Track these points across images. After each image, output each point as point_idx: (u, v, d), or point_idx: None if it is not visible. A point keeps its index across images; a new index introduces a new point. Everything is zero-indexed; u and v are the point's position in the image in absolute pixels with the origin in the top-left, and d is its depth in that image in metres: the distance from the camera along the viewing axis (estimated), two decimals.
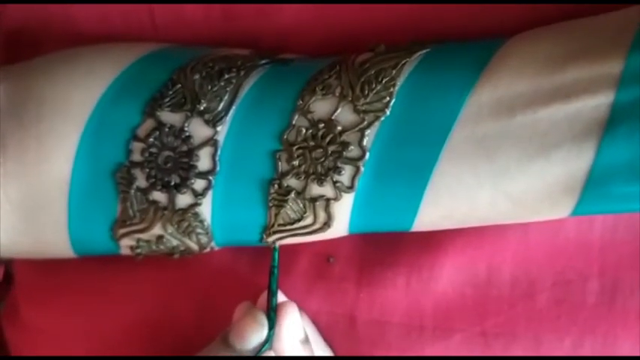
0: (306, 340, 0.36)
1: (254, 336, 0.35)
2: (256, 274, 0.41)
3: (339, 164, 0.34)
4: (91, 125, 0.37)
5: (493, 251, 0.38)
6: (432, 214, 0.35)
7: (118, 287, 0.44)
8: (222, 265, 0.42)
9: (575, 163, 0.32)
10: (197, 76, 0.36)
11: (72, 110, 0.37)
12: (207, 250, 0.39)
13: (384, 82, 0.34)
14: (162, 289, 0.43)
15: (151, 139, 0.36)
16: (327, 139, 0.34)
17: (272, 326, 0.34)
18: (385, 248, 0.40)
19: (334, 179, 0.34)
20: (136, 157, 0.36)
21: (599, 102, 0.31)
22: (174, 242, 0.38)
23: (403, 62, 0.34)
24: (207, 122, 0.36)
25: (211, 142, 0.36)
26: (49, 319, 0.45)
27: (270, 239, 0.37)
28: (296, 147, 0.35)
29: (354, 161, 0.34)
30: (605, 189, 0.32)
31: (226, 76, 0.36)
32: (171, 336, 0.43)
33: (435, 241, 0.39)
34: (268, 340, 0.34)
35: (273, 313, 0.35)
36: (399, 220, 0.35)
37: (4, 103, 0.38)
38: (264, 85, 0.36)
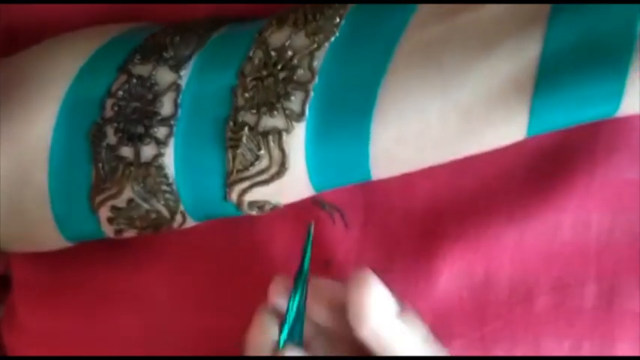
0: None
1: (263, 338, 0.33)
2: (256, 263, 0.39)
3: (289, 89, 0.32)
4: (73, 88, 0.37)
5: (490, 256, 0.36)
6: (385, 137, 0.32)
7: (119, 289, 0.42)
8: (225, 265, 0.41)
9: (521, 55, 0.29)
10: (169, 33, 0.37)
11: (57, 75, 0.38)
12: (179, 218, 0.37)
13: (335, 6, 0.33)
14: (163, 289, 0.41)
15: (121, 92, 0.36)
16: (279, 66, 0.33)
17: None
18: (381, 254, 0.38)
19: (285, 107, 0.32)
20: (108, 113, 0.36)
21: None
22: (145, 206, 0.36)
23: None
24: (171, 68, 0.35)
25: (174, 86, 0.35)
26: (47, 322, 0.44)
27: (234, 193, 0.35)
28: (250, 78, 0.33)
29: (304, 85, 0.32)
30: (557, 87, 0.29)
31: (195, 30, 0.36)
32: (174, 338, 0.41)
33: (433, 246, 0.37)
34: (283, 332, 0.32)
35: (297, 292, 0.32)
36: (354, 152, 0.32)
37: None
38: (228, 32, 0.36)
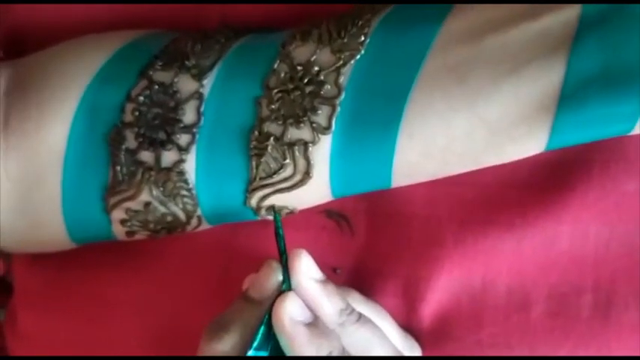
0: (326, 281, 0.34)
1: (270, 280, 0.34)
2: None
3: (315, 104, 0.33)
4: (91, 90, 0.37)
5: (488, 263, 0.37)
6: (410, 151, 0.33)
7: (120, 293, 0.42)
8: (228, 269, 0.41)
9: (546, 77, 0.31)
10: (190, 41, 0.37)
11: (75, 76, 0.38)
12: (195, 222, 0.37)
13: (359, 24, 0.34)
14: (165, 292, 0.42)
15: (141, 98, 0.36)
16: (305, 80, 0.34)
17: (287, 277, 0.33)
18: (384, 259, 0.39)
19: (311, 120, 0.34)
20: (128, 117, 0.36)
21: (567, 16, 0.30)
22: (161, 209, 0.37)
23: (379, 9, 0.34)
24: (194, 77, 0.36)
25: (196, 95, 0.36)
26: (47, 328, 0.44)
27: (254, 199, 0.36)
28: (276, 91, 0.34)
29: (331, 100, 0.33)
30: (579, 107, 0.30)
31: (216, 38, 0.37)
32: (176, 341, 0.41)
33: (432, 253, 0.38)
34: (285, 280, 0.33)
35: (285, 267, 0.34)
36: (378, 164, 0.34)
37: (11, 84, 0.39)
38: (250, 43, 0.37)
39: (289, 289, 0.34)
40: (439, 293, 0.38)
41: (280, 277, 0.33)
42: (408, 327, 0.39)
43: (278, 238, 0.34)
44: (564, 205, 0.36)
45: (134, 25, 0.41)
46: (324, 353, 0.32)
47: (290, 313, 0.33)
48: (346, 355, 0.33)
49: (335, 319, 0.34)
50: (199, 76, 0.35)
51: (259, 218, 0.37)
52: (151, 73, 0.36)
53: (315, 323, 0.33)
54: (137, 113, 0.36)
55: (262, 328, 0.33)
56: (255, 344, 0.33)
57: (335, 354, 0.33)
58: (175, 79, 0.36)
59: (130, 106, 0.36)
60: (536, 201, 0.37)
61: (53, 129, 0.37)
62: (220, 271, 0.41)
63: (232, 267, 0.41)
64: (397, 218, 0.39)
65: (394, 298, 0.39)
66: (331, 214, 0.40)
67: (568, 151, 0.36)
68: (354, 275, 0.39)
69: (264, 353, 0.33)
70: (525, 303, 0.37)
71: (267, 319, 0.33)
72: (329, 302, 0.34)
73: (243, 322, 0.34)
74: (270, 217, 0.38)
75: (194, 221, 0.37)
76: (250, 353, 0.32)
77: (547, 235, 0.36)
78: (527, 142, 0.32)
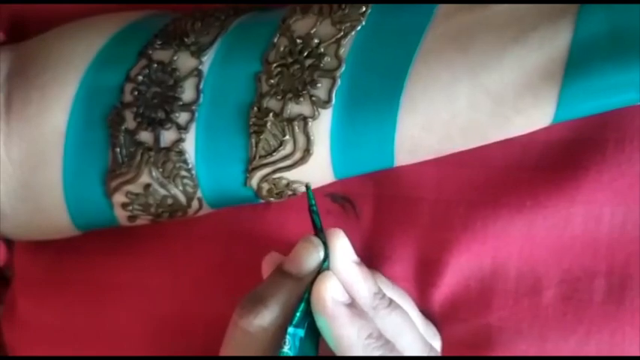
0: (360, 263, 0.33)
1: (311, 257, 0.32)
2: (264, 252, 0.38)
3: (315, 77, 0.32)
4: (91, 72, 0.36)
5: (498, 247, 0.35)
6: (411, 124, 0.31)
7: (121, 280, 0.41)
8: (231, 253, 0.40)
9: (552, 43, 0.29)
10: (190, 19, 0.36)
11: (74, 59, 0.37)
12: (196, 204, 0.36)
13: None
14: (166, 278, 0.40)
15: (140, 77, 0.35)
16: (305, 53, 0.32)
17: (326, 255, 0.31)
18: (391, 243, 0.38)
19: (311, 94, 0.32)
20: (127, 97, 0.35)
21: None
22: (162, 191, 0.36)
23: None
24: (193, 54, 0.35)
25: (195, 72, 0.34)
26: (48, 316, 0.42)
27: (255, 179, 0.34)
28: (275, 65, 0.33)
29: (331, 72, 0.32)
30: (586, 75, 0.29)
31: (216, 15, 0.36)
32: (179, 328, 0.40)
33: (440, 237, 0.36)
34: (326, 259, 0.31)
35: (324, 245, 0.32)
36: (380, 138, 0.32)
37: (13, 68, 0.38)
38: (251, 19, 0.35)
39: (328, 268, 0.32)
40: (448, 277, 0.37)
41: (321, 255, 0.32)
42: (419, 310, 0.37)
43: (312, 214, 0.32)
44: (577, 186, 0.34)
45: (136, 7, 0.40)
46: (364, 334, 0.31)
47: (332, 292, 0.31)
48: (384, 340, 0.32)
49: (370, 302, 0.32)
50: (198, 53, 0.34)
51: (261, 201, 0.36)
52: (150, 52, 0.35)
53: (353, 304, 0.32)
54: (136, 93, 0.35)
55: (303, 305, 0.31)
56: (295, 321, 0.31)
57: (375, 336, 0.31)
58: (174, 57, 0.34)
59: (129, 87, 0.35)
60: (548, 182, 0.35)
61: (54, 112, 0.36)
62: (223, 255, 0.39)
63: (235, 251, 0.39)
64: (404, 201, 0.37)
65: (404, 282, 0.37)
66: (336, 197, 0.39)
67: (581, 131, 0.35)
68: (361, 259, 0.37)
69: (300, 331, 0.31)
70: (536, 287, 0.35)
71: (307, 297, 0.31)
72: (365, 285, 0.32)
73: (283, 298, 0.32)
74: (272, 200, 0.36)
75: (195, 204, 0.36)
76: (290, 330, 0.30)
77: (559, 218, 0.35)
78: (534, 113, 0.30)
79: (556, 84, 0.29)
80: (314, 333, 0.32)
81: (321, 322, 0.31)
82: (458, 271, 0.36)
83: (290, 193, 0.35)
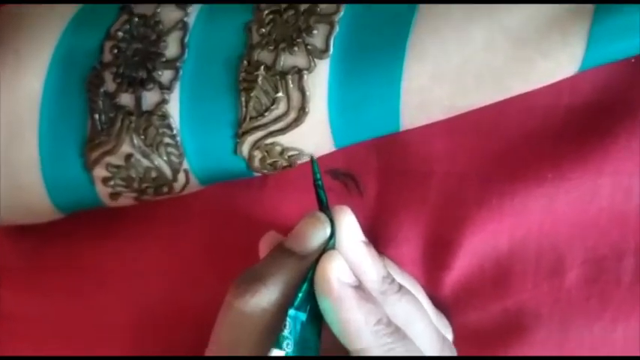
0: (369, 244, 0.29)
1: (317, 234, 0.28)
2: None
3: (311, 23, 0.29)
4: (69, 32, 0.33)
5: (516, 223, 0.32)
6: (420, 73, 0.28)
7: (107, 264, 0.38)
8: (224, 236, 0.36)
9: None
10: None
11: (52, 19, 0.33)
12: (182, 178, 0.32)
13: None
14: (154, 263, 0.37)
15: (121, 33, 0.32)
16: None
17: (332, 233, 0.28)
18: (397, 222, 0.34)
19: (306, 42, 0.29)
20: (107, 57, 0.32)
21: None
22: (144, 162, 0.32)
23: None
24: (177, 5, 0.31)
25: (180, 24, 0.31)
26: (32, 306, 0.39)
27: (246, 145, 0.31)
28: (267, 12, 0.29)
29: (328, 17, 0.28)
30: (619, 10, 0.26)
31: None
32: (169, 316, 0.36)
33: (452, 214, 0.33)
34: (333, 236, 0.28)
35: (330, 221, 0.28)
36: (384, 92, 0.28)
37: None
38: None
39: (334, 248, 0.28)
40: (461, 259, 0.33)
41: (327, 232, 0.28)
42: (429, 296, 0.34)
43: (317, 189, 0.29)
44: (605, 155, 0.31)
45: None
46: (373, 320, 0.27)
47: (338, 273, 0.27)
48: (394, 327, 0.28)
49: (379, 285, 0.29)
50: (184, 4, 0.30)
51: (255, 174, 0.32)
52: (132, 6, 0.31)
53: (360, 288, 0.28)
54: (116, 51, 0.31)
55: (305, 286, 0.27)
56: (296, 303, 0.27)
57: (384, 322, 0.27)
58: (157, 9, 0.31)
59: (108, 44, 0.32)
60: (572, 151, 0.32)
61: (29, 76, 0.33)
62: (215, 238, 0.36)
63: (228, 233, 0.36)
64: (412, 176, 0.34)
65: (411, 266, 0.34)
66: (337, 174, 0.35)
67: (608, 93, 0.31)
68: (369, 240, 0.34)
69: (302, 315, 0.27)
70: (558, 268, 0.32)
71: (311, 277, 0.28)
72: (374, 267, 0.29)
73: (284, 277, 0.28)
74: (266, 171, 0.32)
75: (181, 177, 0.32)
76: (291, 313, 0.27)
77: (584, 191, 0.31)
78: (561, 55, 0.26)
79: (586, 21, 0.26)
80: (316, 318, 0.28)
81: (325, 305, 0.27)
82: (471, 252, 0.33)
83: (285, 163, 0.31)
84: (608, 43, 0.26)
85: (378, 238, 0.35)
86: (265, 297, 0.27)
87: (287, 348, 0.26)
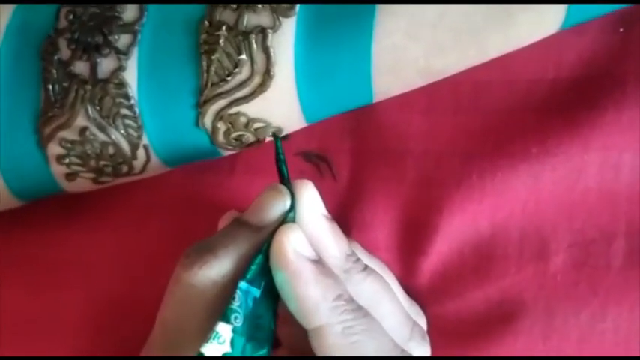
0: (332, 220, 0.27)
1: (275, 206, 0.26)
2: None
3: None
4: (22, 5, 0.31)
5: (498, 204, 0.30)
6: (392, 30, 0.26)
7: (66, 255, 0.36)
8: (185, 224, 0.34)
9: None
10: None
11: None
12: (142, 155, 0.30)
13: None
14: (117, 254, 0.35)
15: None
16: None
17: (292, 207, 0.26)
18: (372, 206, 0.32)
19: None
20: (62, 22, 0.30)
21: None
22: (100, 136, 0.30)
23: None
24: None
25: None
26: None
27: (208, 116, 0.29)
28: None
29: None
30: None
31: None
32: (129, 311, 0.34)
33: (430, 195, 0.31)
34: (292, 209, 0.26)
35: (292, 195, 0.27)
36: (354, 52, 0.26)
37: None
38: None
39: (293, 221, 0.26)
40: (439, 243, 0.31)
41: (287, 204, 0.26)
42: (405, 284, 0.32)
43: (279, 163, 0.27)
44: (593, 129, 0.29)
45: None
46: (331, 295, 0.25)
47: (295, 244, 0.25)
48: (356, 305, 0.26)
49: (341, 262, 0.27)
50: None
51: (220, 151, 0.30)
52: None
53: (320, 262, 0.26)
54: (71, 16, 0.29)
55: (259, 257, 0.25)
56: (248, 275, 0.25)
57: (345, 298, 0.25)
58: None
59: (64, 10, 0.29)
60: (558, 125, 0.29)
61: None
62: (180, 227, 0.34)
63: (194, 222, 0.34)
64: (387, 156, 0.31)
65: (386, 253, 0.32)
66: (309, 156, 0.33)
67: (596, 65, 0.29)
68: (338, 226, 0.31)
69: (255, 290, 0.25)
70: (543, 251, 0.30)
71: (266, 250, 0.25)
72: (336, 242, 0.27)
73: (236, 248, 0.26)
74: (231, 148, 0.30)
75: (141, 154, 0.30)
76: (242, 285, 0.25)
77: (571, 167, 0.29)
78: (542, 7, 0.24)
79: None
80: (272, 296, 0.26)
81: (280, 279, 0.25)
82: (450, 236, 0.31)
83: (252, 138, 0.29)
84: None
85: (351, 223, 0.32)
86: (215, 268, 0.25)
87: (235, 322, 0.24)
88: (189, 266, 0.25)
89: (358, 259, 0.28)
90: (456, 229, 0.30)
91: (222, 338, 0.24)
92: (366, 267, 0.28)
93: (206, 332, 0.23)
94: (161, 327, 0.25)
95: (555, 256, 0.30)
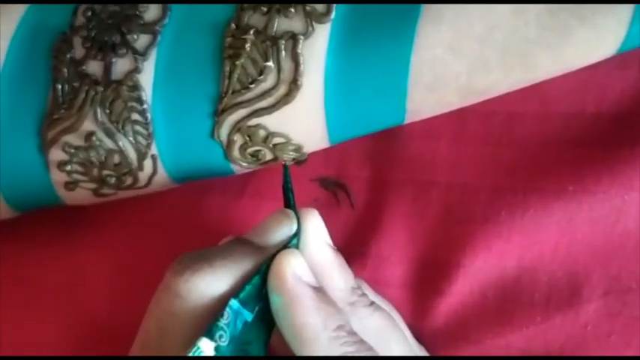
0: (337, 251, 0.26)
1: (281, 228, 0.25)
2: None
3: None
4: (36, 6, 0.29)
5: (526, 244, 0.28)
6: (435, 41, 0.24)
7: (54, 276, 0.34)
8: (183, 247, 0.31)
9: None
10: None
11: None
12: (149, 166, 0.28)
13: None
14: (108, 276, 0.33)
15: None
16: None
17: (297, 234, 0.25)
18: (392, 241, 0.30)
19: (305, 2, 0.25)
20: (79, 19, 0.28)
21: None
22: (107, 143, 0.28)
23: None
24: None
25: None
26: None
27: (225, 126, 0.26)
28: None
29: None
30: None
31: None
32: (117, 335, 0.30)
33: (454, 232, 0.29)
34: (297, 234, 0.24)
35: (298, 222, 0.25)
36: (391, 65, 0.24)
37: None
38: None
39: (296, 247, 0.24)
40: (460, 283, 0.29)
41: (292, 229, 0.24)
42: (418, 325, 0.29)
43: (286, 190, 0.26)
44: (635, 168, 0.27)
45: None
46: (332, 325, 0.23)
47: (295, 269, 0.23)
48: (359, 338, 0.23)
49: (346, 295, 0.25)
50: None
51: (232, 168, 0.28)
52: None
53: (321, 291, 0.23)
54: (89, 13, 0.27)
55: (256, 278, 0.23)
56: (242, 294, 0.22)
57: (346, 330, 0.23)
58: None
59: (82, 8, 0.27)
60: (598, 162, 0.28)
61: None
62: (179, 249, 0.31)
63: (195, 246, 0.31)
64: (409, 187, 0.30)
65: (400, 290, 0.30)
66: (327, 183, 0.31)
67: (637, 105, 0.27)
68: (352, 259, 0.29)
69: (247, 314, 0.23)
70: (574, 299, 0.28)
71: (264, 272, 0.23)
72: (340, 274, 0.25)
73: (234, 264, 0.23)
74: (246, 164, 0.28)
75: (147, 164, 0.28)
76: (233, 304, 0.22)
77: (610, 207, 0.27)
78: (602, 21, 0.22)
79: None
80: (265, 324, 0.24)
81: (277, 304, 0.23)
82: (472, 276, 0.28)
83: (269, 156, 0.27)
84: None
85: (366, 256, 0.30)
86: (207, 279, 0.23)
87: (220, 341, 0.21)
88: (179, 273, 0.23)
89: (364, 294, 0.25)
90: (479, 269, 0.28)
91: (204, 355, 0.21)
92: (372, 302, 0.26)
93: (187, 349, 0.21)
94: (142, 338, 0.23)
95: (587, 305, 0.27)
